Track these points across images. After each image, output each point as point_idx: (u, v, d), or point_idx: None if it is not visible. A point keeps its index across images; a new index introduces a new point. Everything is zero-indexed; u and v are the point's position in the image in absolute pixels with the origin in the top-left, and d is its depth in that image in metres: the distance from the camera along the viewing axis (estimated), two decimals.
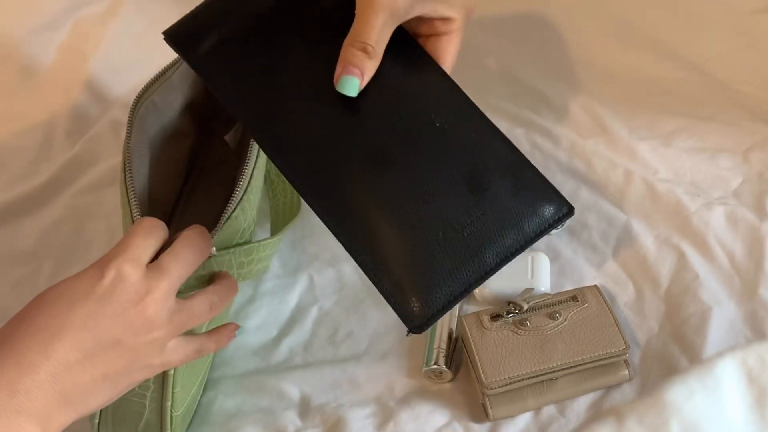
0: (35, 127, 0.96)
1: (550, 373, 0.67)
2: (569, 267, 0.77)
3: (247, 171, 0.69)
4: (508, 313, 0.69)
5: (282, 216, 0.82)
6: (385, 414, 0.69)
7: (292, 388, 0.72)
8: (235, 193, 0.68)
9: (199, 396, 0.72)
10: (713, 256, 0.75)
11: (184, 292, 0.61)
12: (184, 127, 0.80)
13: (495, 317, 0.69)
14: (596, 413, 0.67)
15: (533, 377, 0.67)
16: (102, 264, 0.57)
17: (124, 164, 0.70)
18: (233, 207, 0.67)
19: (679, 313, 0.72)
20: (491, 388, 0.66)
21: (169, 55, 0.77)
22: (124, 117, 0.95)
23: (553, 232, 0.79)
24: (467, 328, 0.69)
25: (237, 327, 0.67)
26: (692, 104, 0.87)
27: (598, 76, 0.92)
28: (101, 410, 0.65)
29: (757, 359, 0.61)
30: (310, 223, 0.84)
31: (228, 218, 0.66)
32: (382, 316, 0.76)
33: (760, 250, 0.74)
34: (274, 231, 0.82)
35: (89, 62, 1.00)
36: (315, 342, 0.75)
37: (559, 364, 0.67)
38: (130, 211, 0.66)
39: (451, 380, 0.71)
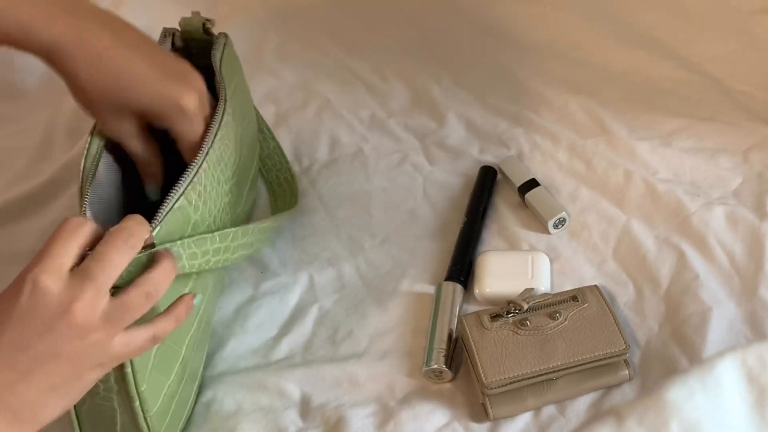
0: (35, 127, 0.97)
1: (550, 373, 0.67)
2: (569, 267, 0.77)
3: (198, 159, 0.67)
4: (508, 313, 0.69)
5: (281, 198, 0.82)
6: (386, 414, 0.69)
7: (293, 387, 0.72)
8: (179, 183, 0.65)
9: (191, 396, 0.71)
10: (713, 256, 0.75)
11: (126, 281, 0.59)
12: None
13: (495, 317, 0.69)
14: (596, 413, 0.67)
15: (533, 377, 0.67)
16: (20, 278, 0.55)
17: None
18: (176, 197, 0.63)
19: (679, 313, 0.72)
20: (491, 388, 0.66)
21: None
22: None
23: (553, 231, 0.79)
24: (467, 328, 0.69)
25: (193, 296, 0.63)
26: (692, 104, 0.87)
27: (598, 76, 0.92)
28: (78, 419, 0.64)
29: (757, 359, 0.61)
30: (310, 222, 0.84)
31: (170, 210, 0.63)
32: (382, 316, 0.76)
33: (760, 250, 0.74)
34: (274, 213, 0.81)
35: None
36: (315, 341, 0.75)
37: (559, 364, 0.67)
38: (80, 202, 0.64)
39: (451, 380, 0.71)
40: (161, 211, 0.62)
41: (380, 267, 0.80)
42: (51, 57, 0.67)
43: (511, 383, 0.67)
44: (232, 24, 1.02)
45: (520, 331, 0.68)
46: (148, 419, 0.64)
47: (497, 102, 0.92)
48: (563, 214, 0.79)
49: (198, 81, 0.69)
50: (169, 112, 0.67)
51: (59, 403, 0.56)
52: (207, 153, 0.68)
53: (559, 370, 0.67)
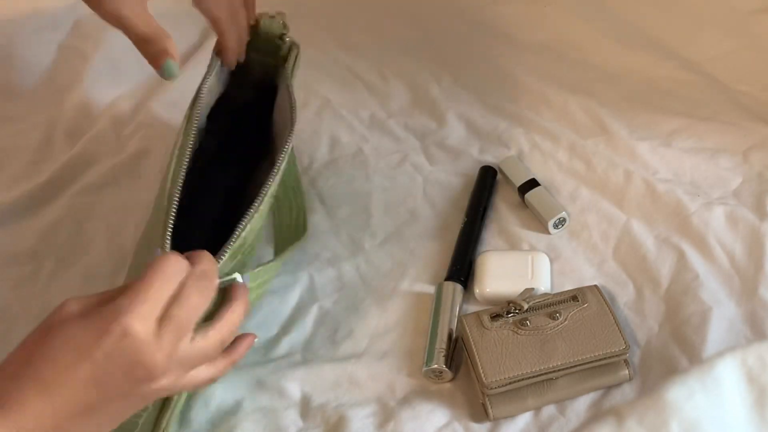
0: (35, 127, 0.97)
1: (550, 372, 0.67)
2: (569, 267, 0.77)
3: (265, 191, 0.66)
4: (508, 313, 0.69)
5: (286, 237, 0.80)
6: (386, 413, 0.69)
7: (293, 386, 0.72)
8: (247, 215, 0.65)
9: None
10: (713, 256, 0.75)
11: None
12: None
13: (495, 317, 0.69)
14: (596, 413, 0.67)
15: (533, 377, 0.67)
16: (110, 315, 0.54)
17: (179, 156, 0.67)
18: (242, 229, 0.64)
19: (679, 313, 0.72)
20: (491, 388, 0.66)
21: None
22: (124, 117, 0.96)
23: (553, 231, 0.79)
24: (467, 328, 0.69)
25: (254, 338, 0.64)
26: (692, 104, 0.87)
27: (598, 76, 0.92)
28: None
29: (757, 359, 0.61)
30: (311, 222, 0.84)
31: (237, 241, 0.63)
32: (382, 316, 0.76)
33: (760, 250, 0.74)
34: (278, 252, 0.80)
35: (89, 62, 1.00)
36: (315, 341, 0.75)
37: (559, 364, 0.67)
38: (166, 220, 0.63)
39: (451, 380, 0.71)
40: (229, 243, 0.62)
41: (380, 267, 0.80)
42: None
43: (511, 383, 0.67)
44: None
45: (520, 331, 0.68)
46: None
47: (497, 102, 0.92)
48: (563, 214, 0.79)
49: None
50: None
51: (105, 430, 0.56)
52: (275, 178, 0.67)
53: (559, 370, 0.67)
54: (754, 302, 0.72)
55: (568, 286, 0.75)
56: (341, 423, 0.69)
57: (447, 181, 0.86)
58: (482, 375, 0.66)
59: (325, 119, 0.94)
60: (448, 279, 0.76)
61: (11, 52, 1.02)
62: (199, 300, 0.56)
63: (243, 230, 0.64)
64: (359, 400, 0.70)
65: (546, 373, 0.67)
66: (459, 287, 0.75)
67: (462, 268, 0.77)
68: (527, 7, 0.97)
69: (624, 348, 0.67)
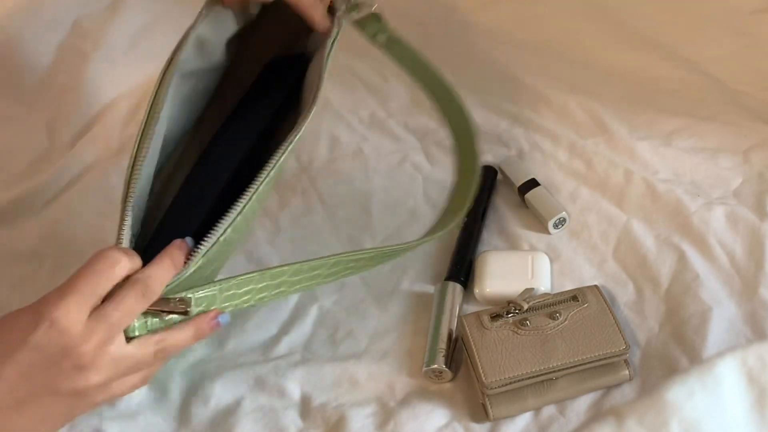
0: (35, 127, 0.97)
1: (550, 372, 0.67)
2: (569, 267, 0.77)
3: (243, 201, 0.63)
4: (508, 313, 0.69)
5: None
6: (386, 414, 0.69)
7: (293, 386, 0.72)
8: (226, 216, 0.62)
9: None
10: (713, 256, 0.75)
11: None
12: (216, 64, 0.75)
13: (495, 317, 0.69)
14: (596, 413, 0.67)
15: (533, 377, 0.67)
16: (39, 309, 0.55)
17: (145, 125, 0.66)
18: (221, 233, 0.61)
19: (679, 313, 0.72)
20: (491, 388, 0.66)
21: (167, 55, 0.76)
22: (124, 117, 0.96)
23: (554, 231, 0.79)
24: (467, 328, 0.69)
25: (216, 314, 0.62)
26: (692, 104, 0.87)
27: (598, 76, 0.92)
28: None
29: (757, 359, 0.61)
30: (310, 222, 0.84)
31: (212, 246, 0.60)
32: (382, 316, 0.76)
33: (760, 250, 0.74)
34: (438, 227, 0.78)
35: (89, 62, 1.00)
36: (315, 341, 0.75)
37: (560, 363, 0.67)
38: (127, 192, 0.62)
39: (451, 380, 0.71)
40: (203, 244, 0.60)
41: (380, 267, 0.80)
42: None
43: (511, 383, 0.66)
44: None
45: (520, 331, 0.68)
46: None
47: (497, 102, 0.92)
48: (563, 214, 0.79)
49: None
50: None
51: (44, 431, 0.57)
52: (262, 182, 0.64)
53: (559, 370, 0.67)
54: (754, 302, 0.72)
55: (568, 286, 0.75)
56: (341, 423, 0.69)
57: (447, 181, 0.86)
58: (482, 375, 0.66)
59: (325, 119, 0.94)
60: (448, 279, 0.76)
61: (11, 52, 1.02)
62: (134, 303, 0.57)
63: (222, 234, 0.61)
64: (359, 400, 0.70)
65: (546, 373, 0.67)
66: (459, 287, 0.75)
67: (462, 268, 0.77)
68: (527, 7, 0.97)
69: (624, 348, 0.67)
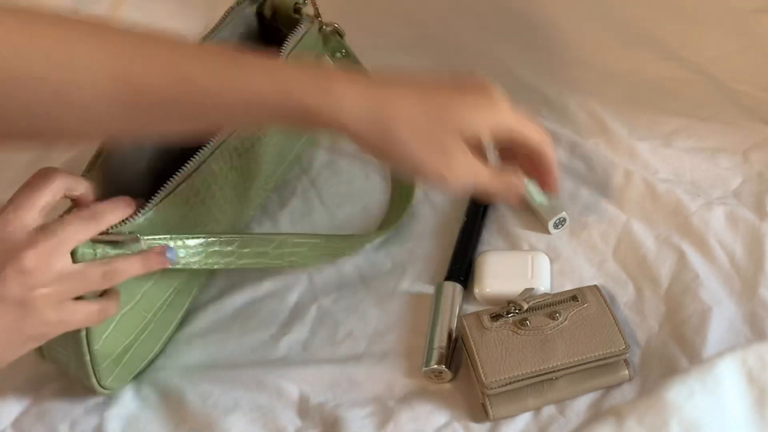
0: None
1: (550, 372, 0.67)
2: (569, 267, 0.77)
3: (206, 152, 0.67)
4: (508, 313, 0.69)
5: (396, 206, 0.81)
6: (385, 414, 0.69)
7: (291, 386, 0.72)
8: (176, 176, 0.66)
9: (153, 350, 0.73)
10: (713, 256, 0.75)
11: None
12: None
13: (495, 317, 0.69)
14: (596, 413, 0.67)
15: (533, 377, 0.67)
16: None
17: None
18: (169, 190, 0.65)
19: (679, 313, 0.72)
20: (491, 388, 0.66)
21: None
22: None
23: (554, 231, 0.79)
24: (467, 328, 0.69)
25: (162, 249, 0.64)
26: (692, 104, 0.87)
27: (598, 76, 0.91)
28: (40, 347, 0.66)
29: (757, 359, 0.61)
30: (310, 222, 0.84)
31: (164, 199, 0.65)
32: (381, 316, 0.76)
33: (760, 250, 0.74)
34: (385, 224, 0.80)
35: None
36: (314, 341, 0.75)
37: (559, 364, 0.67)
38: None
39: (451, 380, 0.71)
40: (156, 196, 0.64)
41: (380, 267, 0.80)
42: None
43: (511, 383, 0.66)
44: None
45: (520, 331, 0.68)
46: (96, 370, 0.67)
47: None
48: (563, 214, 0.79)
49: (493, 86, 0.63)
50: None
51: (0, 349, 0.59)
52: (225, 139, 0.68)
53: (559, 370, 0.67)
54: (754, 302, 0.72)
55: (568, 286, 0.75)
56: (340, 423, 0.69)
57: None
58: (482, 375, 0.66)
59: None
60: (447, 279, 0.76)
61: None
62: (79, 224, 0.60)
63: (174, 186, 0.65)
64: (358, 400, 0.70)
65: (546, 373, 0.67)
66: (458, 287, 0.75)
67: (462, 267, 0.77)
68: (527, 7, 0.97)
69: (624, 348, 0.67)
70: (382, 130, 0.58)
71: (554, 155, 0.66)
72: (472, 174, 0.62)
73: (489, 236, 0.81)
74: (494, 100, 0.62)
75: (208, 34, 0.75)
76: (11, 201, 0.59)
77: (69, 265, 0.59)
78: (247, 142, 0.72)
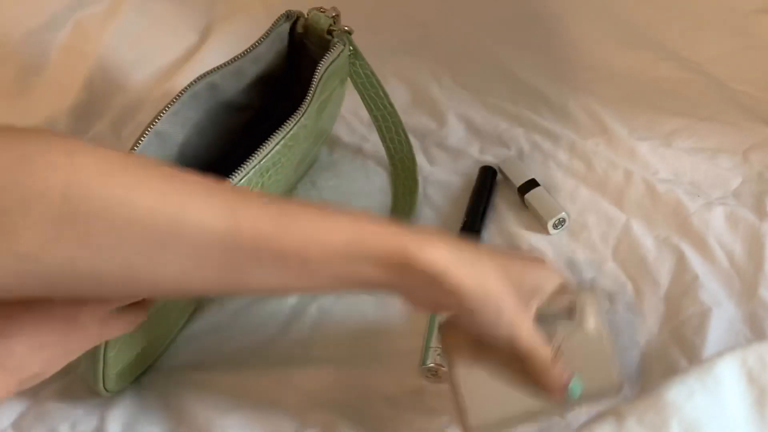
0: (35, 127, 0.97)
1: (541, 412, 0.61)
2: (569, 267, 0.77)
3: (247, 165, 0.68)
4: None
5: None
6: (385, 414, 0.69)
7: (291, 386, 0.72)
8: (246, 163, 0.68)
9: (156, 352, 0.74)
10: (713, 257, 0.75)
11: None
12: (245, 102, 0.79)
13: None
14: (596, 413, 0.67)
15: (522, 417, 0.60)
16: None
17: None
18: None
19: (678, 313, 0.72)
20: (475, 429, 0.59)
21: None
22: (124, 117, 0.96)
23: (553, 232, 0.79)
24: (451, 351, 0.59)
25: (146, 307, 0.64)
26: (692, 104, 0.87)
27: (598, 76, 0.92)
28: None
29: (757, 359, 0.61)
30: None
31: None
32: (381, 316, 0.76)
33: (760, 250, 0.74)
34: None
35: (89, 62, 1.00)
36: (314, 341, 0.75)
37: (550, 404, 0.60)
38: None
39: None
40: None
41: None
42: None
43: (498, 424, 0.59)
44: (232, 24, 1.02)
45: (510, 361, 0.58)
46: (106, 376, 0.68)
47: (497, 102, 0.92)
48: (563, 215, 0.79)
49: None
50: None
51: (43, 363, 0.58)
52: (261, 160, 0.69)
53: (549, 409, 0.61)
54: (754, 302, 0.72)
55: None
56: (339, 423, 0.69)
57: (447, 181, 0.86)
58: (467, 416, 0.58)
59: None
60: None
61: (11, 52, 1.02)
62: None
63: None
64: (358, 401, 0.70)
65: (536, 413, 0.60)
66: None
67: None
68: (527, 7, 0.97)
69: (618, 387, 0.61)
70: (481, 288, 0.55)
71: None
72: (536, 336, 0.58)
73: (489, 236, 0.81)
74: (554, 270, 0.61)
75: (246, 50, 0.77)
76: None
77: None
78: (277, 158, 0.72)
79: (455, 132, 0.90)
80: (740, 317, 0.71)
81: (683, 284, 0.74)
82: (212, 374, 0.74)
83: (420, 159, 0.88)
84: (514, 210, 0.82)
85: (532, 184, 0.82)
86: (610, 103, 0.89)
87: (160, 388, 0.73)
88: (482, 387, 0.59)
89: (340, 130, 0.92)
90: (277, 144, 0.70)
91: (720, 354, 0.61)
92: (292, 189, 0.84)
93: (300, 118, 0.72)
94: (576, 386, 0.59)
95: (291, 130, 0.71)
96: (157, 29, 1.02)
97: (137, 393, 0.73)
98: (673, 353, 0.70)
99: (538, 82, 0.92)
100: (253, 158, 0.68)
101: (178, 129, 0.72)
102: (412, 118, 0.92)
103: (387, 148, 0.86)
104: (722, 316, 0.71)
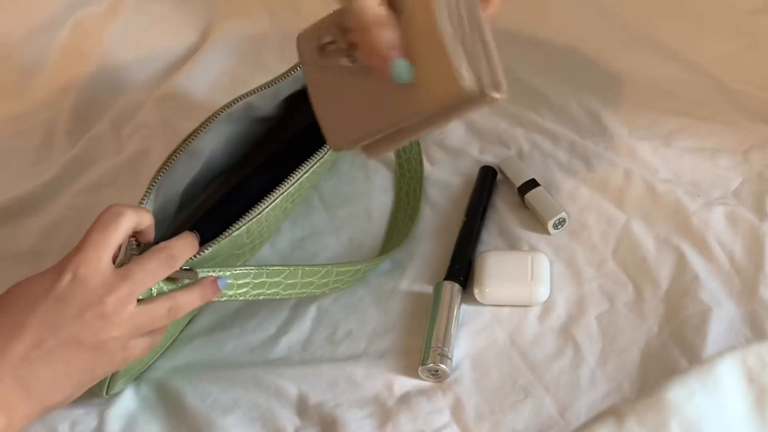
0: (35, 127, 0.97)
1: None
2: (569, 267, 0.77)
3: (273, 196, 0.71)
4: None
5: (395, 239, 0.81)
6: (384, 414, 0.69)
7: (290, 386, 0.72)
8: (248, 214, 0.69)
9: (154, 355, 0.74)
10: (713, 257, 0.75)
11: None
12: (275, 115, 0.80)
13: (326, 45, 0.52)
14: (596, 413, 0.67)
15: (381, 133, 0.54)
16: (61, 265, 0.59)
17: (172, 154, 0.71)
18: (238, 228, 0.68)
19: (678, 313, 0.72)
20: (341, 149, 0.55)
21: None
22: (124, 117, 0.96)
23: (553, 232, 0.79)
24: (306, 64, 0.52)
25: (214, 279, 0.65)
26: (692, 104, 0.87)
27: (598, 76, 0.91)
28: None
29: (757, 359, 0.61)
30: (310, 222, 0.84)
31: (226, 238, 0.67)
32: (381, 316, 0.76)
33: (760, 250, 0.74)
34: (384, 251, 0.81)
35: (89, 62, 1.00)
36: (314, 341, 0.75)
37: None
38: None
39: (449, 379, 0.71)
40: (221, 235, 0.67)
41: (379, 266, 0.80)
42: None
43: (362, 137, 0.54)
44: (232, 24, 1.02)
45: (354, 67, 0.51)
46: (112, 381, 0.69)
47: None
48: (563, 215, 0.79)
49: None
50: None
51: (67, 390, 0.59)
52: (289, 188, 0.72)
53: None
54: (754, 302, 0.72)
55: (568, 287, 0.75)
56: (338, 422, 0.69)
57: (447, 181, 0.86)
58: (327, 135, 0.53)
59: None
60: (447, 279, 0.76)
61: (11, 52, 1.02)
62: (157, 267, 0.61)
63: (236, 230, 0.68)
64: (357, 400, 0.70)
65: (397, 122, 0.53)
66: (457, 287, 0.75)
67: (461, 267, 0.77)
68: (527, 7, 0.97)
69: (472, 95, 0.51)
70: None
71: None
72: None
73: (489, 236, 0.81)
74: None
75: (286, 73, 0.77)
76: (85, 240, 0.60)
77: (137, 305, 0.60)
78: (303, 188, 0.75)
79: (455, 132, 0.90)
80: (740, 317, 0.71)
81: (683, 284, 0.74)
82: (211, 374, 0.74)
83: None
84: (514, 210, 0.82)
85: (532, 184, 0.82)
86: (610, 103, 0.89)
87: (160, 388, 0.73)
88: (339, 103, 0.55)
89: None
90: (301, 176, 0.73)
91: (720, 354, 0.61)
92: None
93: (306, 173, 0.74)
94: (402, 67, 0.52)
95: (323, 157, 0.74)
96: (157, 29, 1.02)
97: (137, 393, 0.73)
98: (673, 353, 0.70)
99: (538, 82, 0.92)
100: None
101: (206, 143, 0.74)
102: None
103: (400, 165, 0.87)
104: (722, 316, 0.71)
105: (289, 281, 0.70)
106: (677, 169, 0.83)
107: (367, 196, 0.86)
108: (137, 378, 0.74)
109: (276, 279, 0.69)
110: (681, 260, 0.75)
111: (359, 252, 0.81)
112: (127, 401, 0.73)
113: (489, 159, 0.87)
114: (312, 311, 0.77)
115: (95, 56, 1.00)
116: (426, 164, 0.88)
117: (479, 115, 0.91)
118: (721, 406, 0.59)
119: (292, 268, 0.70)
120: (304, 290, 0.72)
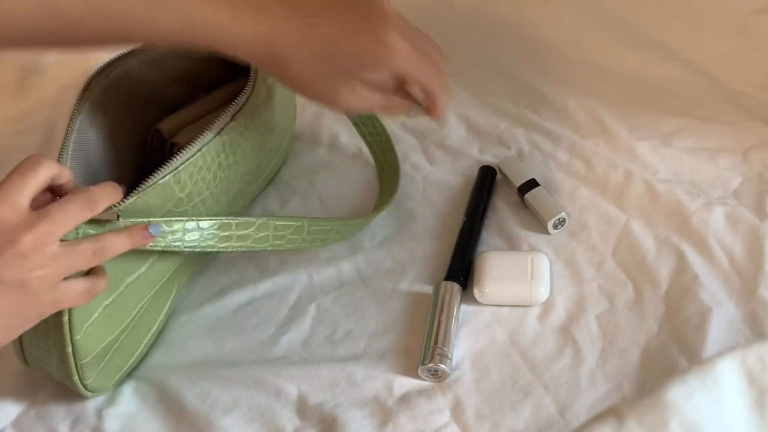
0: (35, 127, 0.97)
1: None
2: (569, 267, 0.77)
3: (203, 139, 0.71)
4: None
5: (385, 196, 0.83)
6: (384, 414, 0.69)
7: (290, 386, 0.72)
8: (173, 160, 0.69)
9: (138, 350, 0.74)
10: (713, 257, 0.75)
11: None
12: (168, 96, 0.82)
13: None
14: (596, 413, 0.67)
15: None
16: None
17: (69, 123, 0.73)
18: (163, 174, 0.68)
19: (678, 313, 0.72)
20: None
21: None
22: None
23: (553, 232, 0.79)
24: None
25: (146, 226, 0.65)
26: (692, 104, 0.87)
27: (598, 76, 0.92)
28: (21, 345, 0.69)
29: (757, 359, 0.61)
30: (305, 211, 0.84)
31: (150, 186, 0.67)
32: (381, 316, 0.76)
33: (760, 250, 0.74)
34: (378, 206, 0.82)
35: (89, 62, 1.00)
36: (313, 340, 0.75)
37: None
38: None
39: (449, 379, 0.71)
40: (143, 184, 0.67)
41: (379, 266, 0.80)
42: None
43: None
44: None
45: None
46: (78, 365, 0.67)
47: (497, 102, 0.92)
48: (563, 215, 0.79)
49: (387, 19, 0.66)
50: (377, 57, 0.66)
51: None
52: (214, 136, 0.72)
53: None
54: (754, 302, 0.71)
55: (568, 287, 0.75)
56: (338, 422, 0.69)
57: (446, 181, 0.86)
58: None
59: (325, 119, 0.94)
60: (447, 279, 0.76)
61: (11, 52, 1.02)
62: (76, 209, 0.61)
63: (160, 178, 0.68)
64: (357, 400, 0.70)
65: None
66: (457, 287, 0.75)
67: (461, 267, 0.77)
68: (527, 7, 0.97)
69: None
70: (276, 65, 0.64)
71: (442, 92, 0.69)
72: (364, 103, 0.67)
73: (489, 236, 0.81)
74: (388, 46, 0.65)
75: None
76: (3, 184, 0.60)
77: (59, 245, 0.60)
78: (233, 136, 0.75)
79: (455, 132, 0.90)
80: (740, 317, 0.71)
81: (683, 284, 0.73)
82: (211, 373, 0.74)
83: (420, 159, 0.89)
84: (514, 210, 0.82)
85: (532, 184, 0.82)
86: (610, 103, 0.89)
87: (159, 387, 0.73)
88: None
89: (340, 130, 0.92)
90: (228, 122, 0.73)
91: (720, 354, 0.61)
92: (259, 178, 0.85)
93: (251, 92, 0.74)
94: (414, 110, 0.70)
95: (243, 105, 0.74)
96: None
97: (136, 392, 0.73)
98: (673, 353, 0.70)
99: (538, 82, 0.92)
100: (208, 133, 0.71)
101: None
102: (411, 118, 0.92)
103: (363, 135, 0.87)
104: (722, 315, 0.71)
105: (223, 233, 0.70)
106: (677, 169, 0.83)
107: (368, 196, 0.86)
108: (136, 378, 0.74)
109: (245, 231, 0.70)
110: (681, 260, 0.75)
111: (358, 250, 0.81)
112: (126, 401, 0.73)
113: (489, 159, 0.87)
114: (312, 311, 0.77)
115: (95, 56, 1.00)
116: (426, 164, 0.88)
117: (479, 115, 0.91)
118: (720, 406, 0.59)
119: (225, 220, 0.70)
120: (242, 243, 0.71)
